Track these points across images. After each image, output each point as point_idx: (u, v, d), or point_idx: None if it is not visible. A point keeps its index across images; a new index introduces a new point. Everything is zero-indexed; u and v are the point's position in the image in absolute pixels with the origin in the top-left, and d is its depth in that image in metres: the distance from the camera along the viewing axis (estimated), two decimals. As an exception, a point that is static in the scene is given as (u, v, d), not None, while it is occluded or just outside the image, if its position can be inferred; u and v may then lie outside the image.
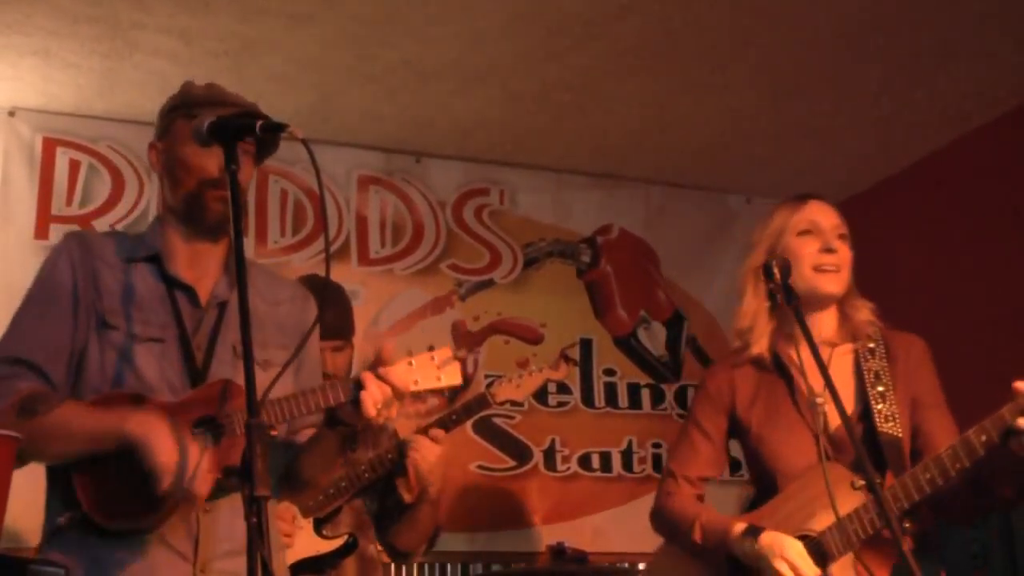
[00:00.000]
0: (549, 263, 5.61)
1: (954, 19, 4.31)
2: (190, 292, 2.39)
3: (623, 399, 5.52)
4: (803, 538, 2.56)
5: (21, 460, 2.17)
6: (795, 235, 2.79)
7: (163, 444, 2.12)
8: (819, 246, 2.76)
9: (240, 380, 2.22)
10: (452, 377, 2.34)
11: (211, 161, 2.32)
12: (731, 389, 2.84)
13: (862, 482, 2.36)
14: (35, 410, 2.17)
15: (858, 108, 5.03)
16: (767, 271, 2.62)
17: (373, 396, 2.21)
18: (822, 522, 2.55)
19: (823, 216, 2.83)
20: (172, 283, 2.38)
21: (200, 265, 2.43)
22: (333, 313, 3.57)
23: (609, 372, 5.55)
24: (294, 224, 5.18)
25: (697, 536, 2.70)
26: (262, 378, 2.04)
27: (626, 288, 5.72)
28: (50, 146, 4.84)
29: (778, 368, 2.79)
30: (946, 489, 2.44)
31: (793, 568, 2.48)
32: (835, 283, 2.75)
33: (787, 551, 2.49)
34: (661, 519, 2.86)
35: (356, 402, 2.23)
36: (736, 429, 2.85)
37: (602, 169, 5.71)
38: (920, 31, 4.39)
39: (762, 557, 2.53)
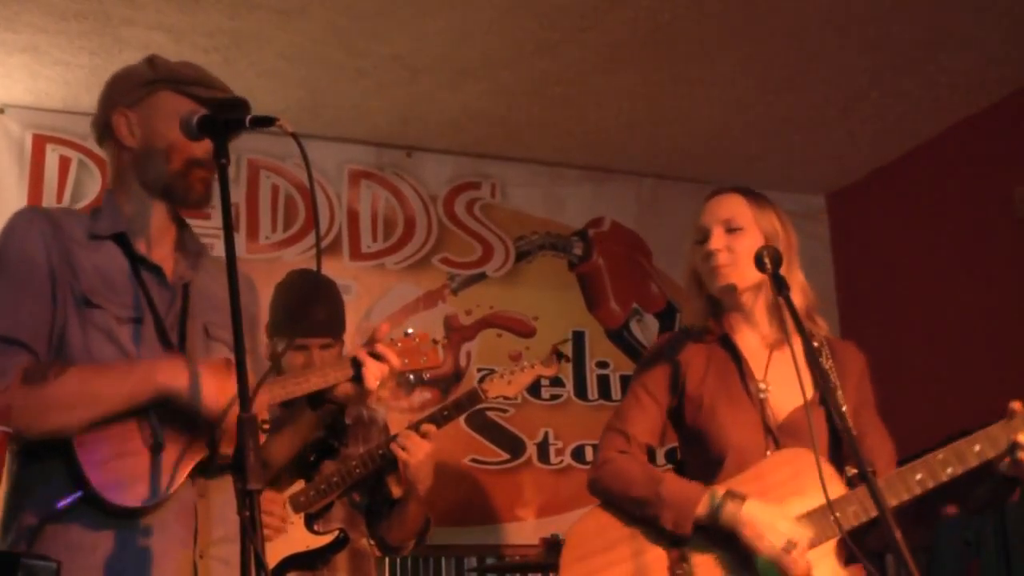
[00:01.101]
0: (541, 256, 5.61)
1: (944, 9, 4.32)
2: (158, 272, 2.32)
3: (616, 391, 5.52)
4: None
5: (27, 438, 2.09)
6: (693, 246, 2.80)
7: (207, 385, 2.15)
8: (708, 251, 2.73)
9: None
10: (434, 358, 2.45)
11: (196, 143, 2.27)
12: (685, 364, 2.77)
13: (854, 471, 2.35)
14: (45, 376, 2.11)
15: (848, 99, 5.04)
16: (759, 263, 2.58)
17: (373, 371, 2.29)
18: (794, 508, 2.50)
19: (710, 216, 2.79)
20: (140, 262, 2.31)
21: (164, 244, 2.37)
22: (325, 311, 3.57)
23: (602, 364, 5.56)
24: (285, 219, 5.18)
25: (664, 491, 2.58)
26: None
27: (618, 280, 5.72)
28: (40, 143, 4.84)
29: (728, 349, 2.76)
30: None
31: (794, 547, 2.40)
32: (727, 276, 2.69)
33: (779, 523, 2.43)
34: (613, 474, 2.73)
35: (357, 379, 2.29)
36: (682, 406, 2.76)
37: (593, 162, 5.71)
38: (910, 21, 4.39)
39: (746, 525, 2.46)
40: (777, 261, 2.56)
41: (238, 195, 5.09)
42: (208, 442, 2.20)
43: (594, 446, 5.37)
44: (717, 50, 4.60)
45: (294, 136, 2.03)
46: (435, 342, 2.43)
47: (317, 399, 2.39)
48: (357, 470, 3.40)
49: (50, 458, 2.13)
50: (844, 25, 4.42)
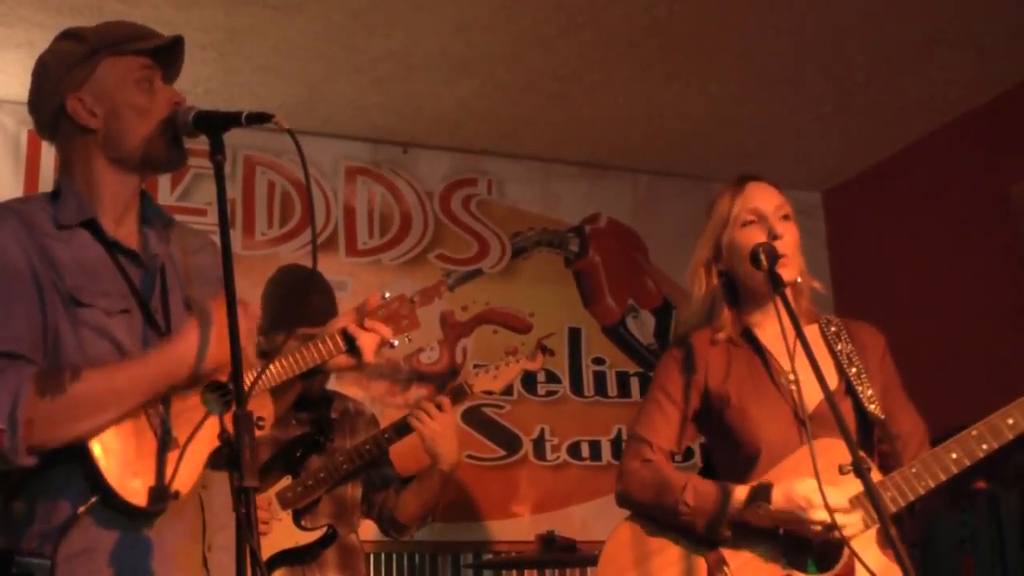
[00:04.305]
0: (537, 252, 5.61)
1: (939, 7, 4.32)
2: (134, 256, 2.26)
3: (612, 388, 5.53)
4: None
5: (46, 447, 2.00)
6: (739, 227, 2.70)
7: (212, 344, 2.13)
8: (764, 235, 2.64)
9: None
10: (414, 320, 2.48)
11: (160, 98, 2.26)
12: (704, 365, 2.72)
13: (849, 468, 2.33)
14: (61, 383, 2.03)
15: (844, 96, 5.04)
16: (754, 259, 2.57)
17: (369, 344, 2.33)
18: (832, 498, 2.43)
19: (763, 201, 2.72)
20: (114, 248, 2.23)
21: (130, 220, 2.30)
22: (321, 298, 3.60)
23: (598, 361, 5.56)
24: (282, 215, 5.18)
25: (689, 498, 2.55)
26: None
27: (614, 277, 5.73)
28: (35, 139, 4.82)
29: (751, 343, 2.72)
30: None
31: (831, 514, 2.37)
32: (788, 270, 2.61)
33: (814, 501, 2.39)
34: (638, 485, 2.67)
35: (351, 351, 2.32)
36: (709, 405, 2.72)
37: (589, 158, 5.71)
38: (906, 19, 4.40)
39: (782, 519, 2.44)
40: (773, 259, 2.55)
41: (234, 191, 5.09)
42: (220, 434, 2.18)
43: (590, 442, 5.44)
44: (713, 46, 4.60)
45: (290, 132, 2.03)
46: (412, 302, 2.47)
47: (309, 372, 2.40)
48: (344, 466, 3.40)
49: (62, 463, 2.06)
50: (840, 22, 4.42)
